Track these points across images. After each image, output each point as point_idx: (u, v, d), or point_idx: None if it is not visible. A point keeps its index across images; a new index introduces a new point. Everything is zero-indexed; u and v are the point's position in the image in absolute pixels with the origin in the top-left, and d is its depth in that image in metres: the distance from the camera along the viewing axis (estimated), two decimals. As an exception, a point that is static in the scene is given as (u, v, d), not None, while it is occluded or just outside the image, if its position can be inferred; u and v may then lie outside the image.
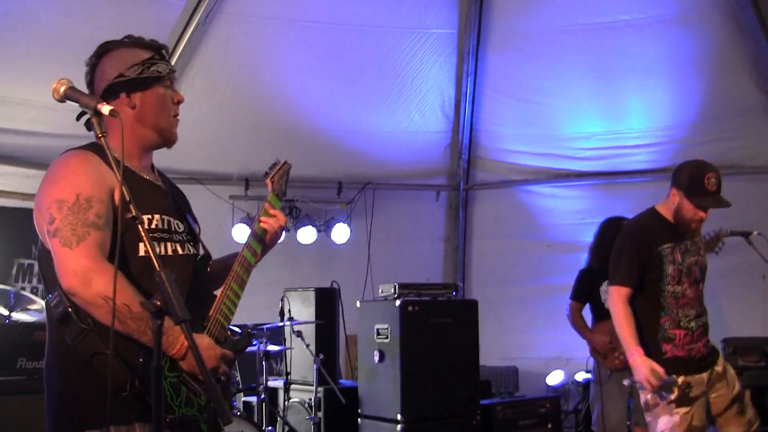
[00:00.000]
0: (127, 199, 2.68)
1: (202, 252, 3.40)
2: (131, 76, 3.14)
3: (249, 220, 9.73)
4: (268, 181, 3.61)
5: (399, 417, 7.07)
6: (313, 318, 7.95)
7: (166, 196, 3.27)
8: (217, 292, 3.29)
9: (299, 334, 7.54)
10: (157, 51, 3.25)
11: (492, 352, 9.31)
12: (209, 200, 9.53)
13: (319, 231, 10.24)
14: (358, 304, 7.85)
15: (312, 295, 8.12)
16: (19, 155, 8.61)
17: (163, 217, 3.15)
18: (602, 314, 7.19)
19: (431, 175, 10.96)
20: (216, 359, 3.03)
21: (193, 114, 9.16)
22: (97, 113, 2.75)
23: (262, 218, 3.45)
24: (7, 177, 8.61)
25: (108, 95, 3.11)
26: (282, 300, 7.82)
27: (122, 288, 2.77)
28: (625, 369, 6.96)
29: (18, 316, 6.92)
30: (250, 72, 9.27)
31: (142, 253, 3.00)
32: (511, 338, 10.32)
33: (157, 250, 3.03)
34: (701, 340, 5.10)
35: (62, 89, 2.83)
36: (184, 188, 3.58)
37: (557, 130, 10.09)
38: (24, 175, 8.54)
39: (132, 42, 3.24)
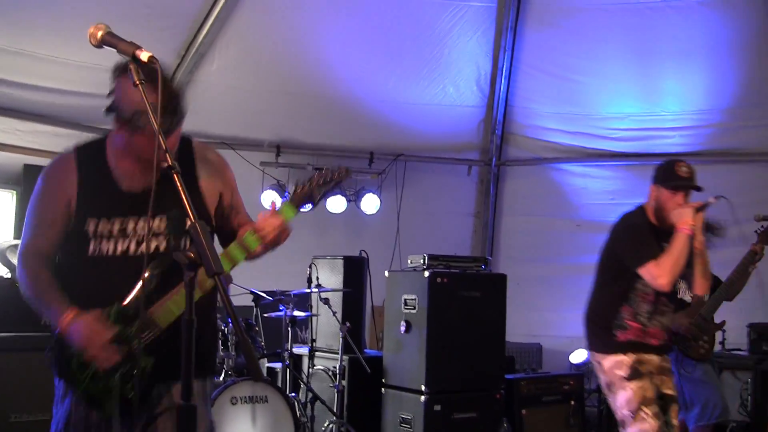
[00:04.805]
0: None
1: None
2: None
3: (278, 187, 9.73)
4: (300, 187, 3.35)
5: (423, 388, 7.08)
6: (340, 286, 7.96)
7: (135, 197, 3.18)
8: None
9: (326, 301, 7.54)
10: None
11: (516, 329, 9.26)
12: (240, 166, 9.45)
13: (348, 201, 10.22)
14: (386, 274, 7.84)
15: (340, 263, 8.11)
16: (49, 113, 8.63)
17: (114, 219, 3.17)
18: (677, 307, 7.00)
19: (464, 149, 10.93)
20: (97, 348, 2.97)
21: (226, 79, 9.17)
22: (135, 59, 2.69)
23: (257, 225, 3.21)
24: (36, 135, 8.59)
25: None
26: (310, 267, 7.83)
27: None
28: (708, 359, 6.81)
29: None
30: (286, 38, 9.22)
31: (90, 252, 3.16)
32: (536, 315, 10.30)
33: (106, 248, 3.15)
34: (656, 337, 5.18)
35: (99, 34, 2.75)
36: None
37: (592, 109, 10.02)
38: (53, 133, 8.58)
39: None
